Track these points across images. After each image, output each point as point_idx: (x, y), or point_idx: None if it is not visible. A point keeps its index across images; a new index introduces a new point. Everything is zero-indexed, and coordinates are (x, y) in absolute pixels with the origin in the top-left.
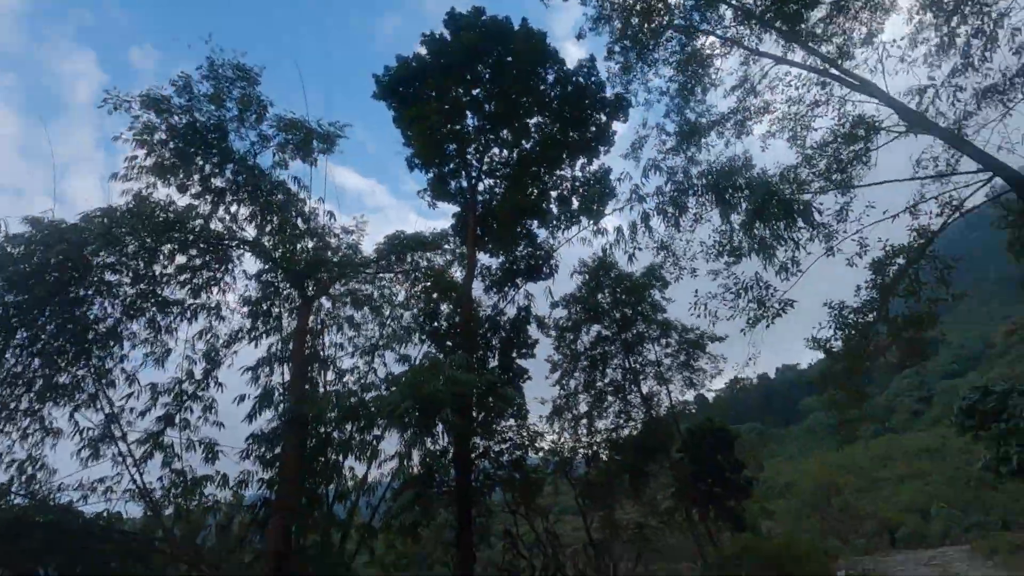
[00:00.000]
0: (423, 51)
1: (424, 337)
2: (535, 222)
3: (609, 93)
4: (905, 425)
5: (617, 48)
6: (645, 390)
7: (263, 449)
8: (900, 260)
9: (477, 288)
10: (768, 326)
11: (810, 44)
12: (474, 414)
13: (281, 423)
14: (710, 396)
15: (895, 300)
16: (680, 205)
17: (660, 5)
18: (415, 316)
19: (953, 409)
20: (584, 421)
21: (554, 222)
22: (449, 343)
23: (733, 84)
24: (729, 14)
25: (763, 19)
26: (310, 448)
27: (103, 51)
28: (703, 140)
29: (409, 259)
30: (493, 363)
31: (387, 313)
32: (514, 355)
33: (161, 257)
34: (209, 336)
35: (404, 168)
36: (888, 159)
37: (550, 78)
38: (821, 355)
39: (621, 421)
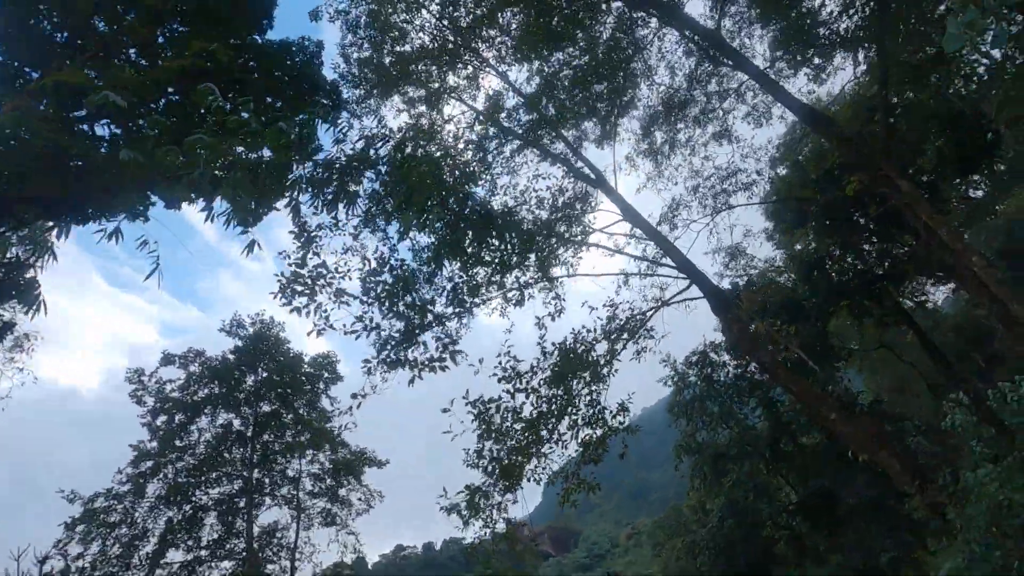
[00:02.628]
0: None
1: None
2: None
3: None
4: None
5: (355, 65)
6: (267, 519)
7: None
8: (586, 375)
9: None
10: (415, 380)
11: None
12: None
13: None
14: (371, 559)
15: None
16: (344, 187)
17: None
18: None
19: None
20: (146, 547)
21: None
22: None
23: (472, 140)
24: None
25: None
26: None
27: None
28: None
29: None
30: None
31: None
32: None
33: None
34: None
35: None
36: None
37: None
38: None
39: (207, 555)
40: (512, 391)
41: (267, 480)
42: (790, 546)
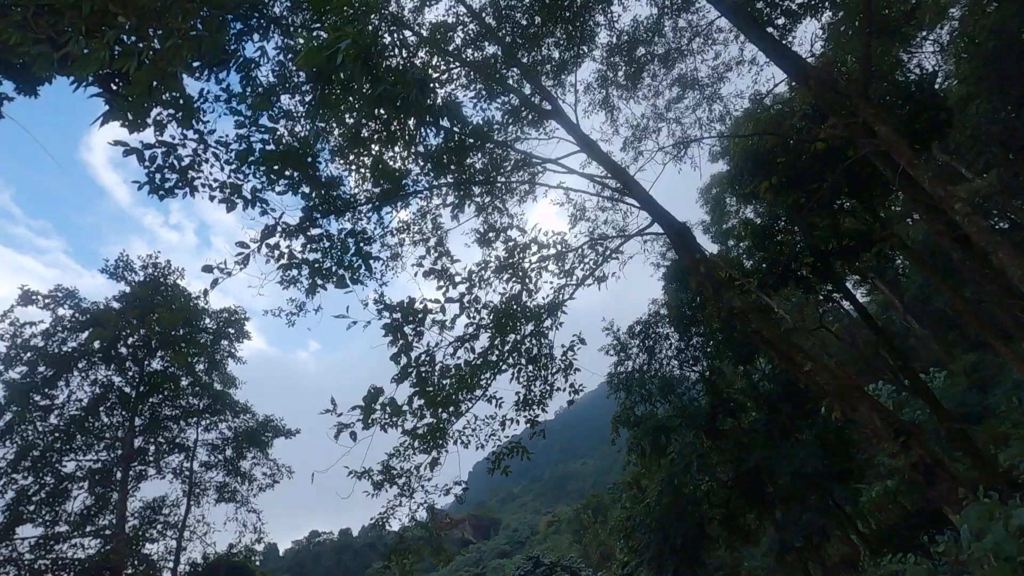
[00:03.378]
0: None
1: None
2: None
3: None
4: None
5: None
6: (154, 492)
7: None
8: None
9: None
10: (315, 291)
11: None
12: None
13: None
14: (284, 546)
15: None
16: (239, 49)
17: None
18: None
19: None
20: None
21: None
22: None
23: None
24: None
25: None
26: None
27: None
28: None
29: None
30: None
31: None
32: None
33: None
34: None
35: None
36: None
37: None
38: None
39: (69, 531)
40: (443, 300)
41: (152, 448)
42: (723, 525)
